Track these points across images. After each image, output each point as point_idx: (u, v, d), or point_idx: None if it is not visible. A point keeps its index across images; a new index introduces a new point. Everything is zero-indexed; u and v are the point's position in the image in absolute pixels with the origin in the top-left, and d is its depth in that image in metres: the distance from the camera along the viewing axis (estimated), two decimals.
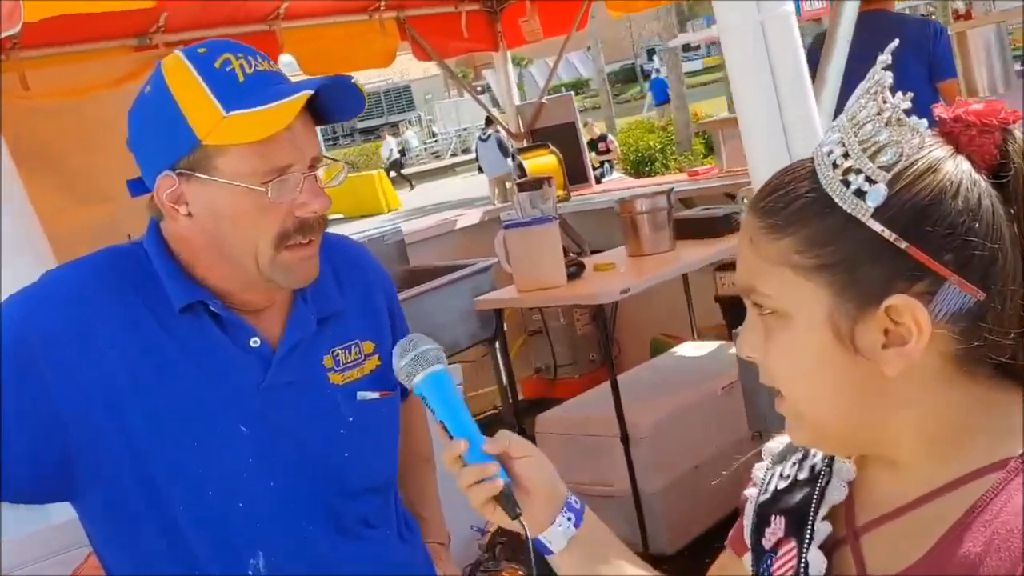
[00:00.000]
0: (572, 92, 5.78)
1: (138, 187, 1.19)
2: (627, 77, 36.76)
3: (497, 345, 4.38)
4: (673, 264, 3.47)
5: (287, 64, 4.60)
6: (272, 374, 1.19)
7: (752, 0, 1.34)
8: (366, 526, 1.28)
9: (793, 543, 0.81)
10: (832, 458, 0.83)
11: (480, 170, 16.76)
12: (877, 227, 0.71)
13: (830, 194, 0.72)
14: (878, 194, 0.70)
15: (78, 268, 1.19)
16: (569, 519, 0.96)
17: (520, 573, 2.59)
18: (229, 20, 4.17)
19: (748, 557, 0.88)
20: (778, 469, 0.88)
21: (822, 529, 0.80)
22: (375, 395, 1.27)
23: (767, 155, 1.46)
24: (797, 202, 0.74)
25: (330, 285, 1.27)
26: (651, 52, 34.17)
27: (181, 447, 1.15)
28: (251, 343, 1.19)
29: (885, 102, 0.72)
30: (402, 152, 29.08)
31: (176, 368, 1.16)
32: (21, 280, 1.21)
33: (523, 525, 0.94)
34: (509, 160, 15.09)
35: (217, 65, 1.11)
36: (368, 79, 34.99)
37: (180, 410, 1.15)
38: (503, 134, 15.81)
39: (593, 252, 4.25)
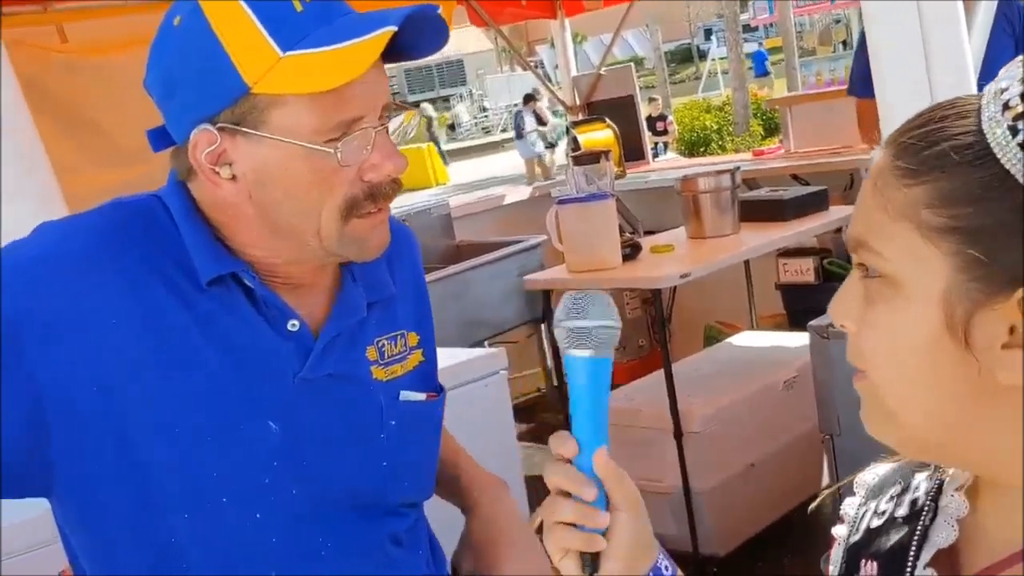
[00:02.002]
0: (631, 64, 5.56)
1: (162, 139, 0.98)
2: (683, 57, 36.20)
3: (543, 327, 4.23)
4: (736, 249, 3.25)
5: None
6: (312, 364, 1.00)
7: None
8: (396, 545, 1.08)
9: None
10: (939, 492, 0.67)
11: (531, 145, 16.54)
12: None
13: (989, 140, 0.57)
14: None
15: (77, 228, 0.97)
16: None
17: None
18: None
19: None
20: (872, 505, 0.72)
21: None
22: (421, 396, 1.08)
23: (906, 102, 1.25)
24: (946, 143, 0.58)
25: (380, 264, 1.08)
26: (708, 32, 33.60)
27: (195, 445, 0.95)
28: (289, 326, 0.99)
29: None
30: (451, 127, 28.98)
31: (195, 352, 0.96)
32: (20, 226, 1.02)
33: None
34: (540, 143, 14.95)
35: None
36: None
37: (197, 401, 0.95)
38: (545, 107, 15.68)
39: (647, 233, 4.06)
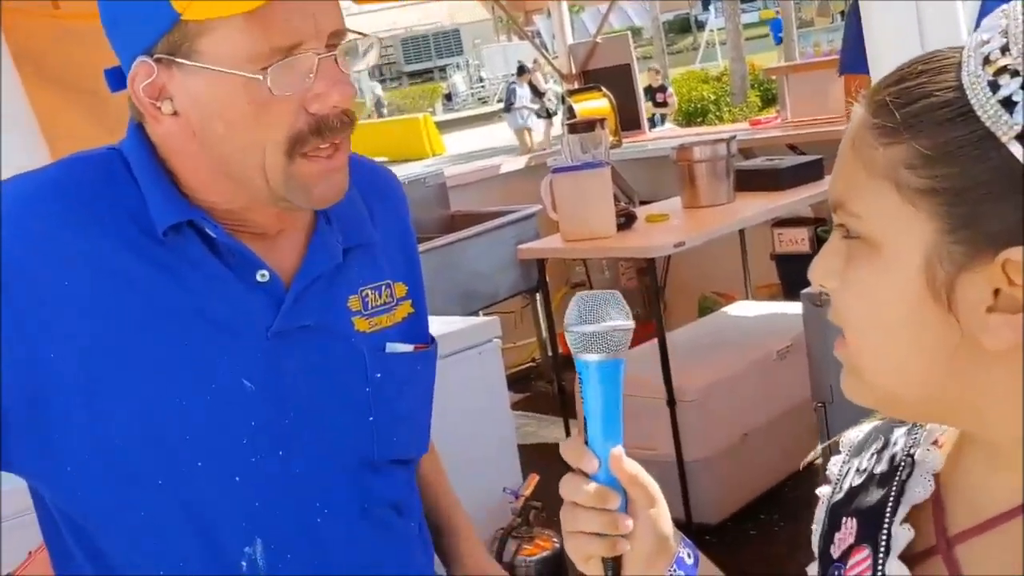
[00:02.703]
0: (628, 33, 5.52)
1: (118, 79, 0.93)
2: (681, 27, 35.95)
3: (538, 297, 4.22)
4: (731, 218, 3.25)
5: None
6: (284, 316, 0.95)
7: None
8: (395, 513, 1.05)
9: (867, 551, 0.65)
10: (916, 446, 0.66)
11: (520, 118, 16.47)
12: (1019, 153, 0.54)
13: (969, 97, 0.55)
14: None
15: (27, 186, 0.93)
16: None
17: (554, 541, 2.43)
18: None
19: (814, 567, 0.71)
20: (855, 462, 0.71)
21: (901, 535, 0.63)
22: (408, 348, 1.03)
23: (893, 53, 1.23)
24: (924, 100, 0.57)
25: (359, 208, 1.03)
26: (706, 2, 33.35)
27: (163, 406, 0.91)
28: (258, 277, 0.94)
29: None
30: (448, 97, 28.82)
31: (158, 309, 0.91)
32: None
33: None
34: (531, 116, 14.89)
35: None
36: (417, 22, 34.70)
37: (164, 361, 0.90)
38: (540, 77, 15.64)
39: (642, 203, 4.05)
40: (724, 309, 3.82)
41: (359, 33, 0.92)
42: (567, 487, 0.73)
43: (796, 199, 3.35)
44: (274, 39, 0.86)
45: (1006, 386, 0.58)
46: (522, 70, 16.13)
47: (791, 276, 4.48)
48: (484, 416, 2.41)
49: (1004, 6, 0.57)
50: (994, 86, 0.55)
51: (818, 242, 4.03)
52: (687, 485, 3.03)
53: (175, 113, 0.90)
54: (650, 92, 13.89)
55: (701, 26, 31.00)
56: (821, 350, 2.27)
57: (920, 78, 0.58)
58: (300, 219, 0.99)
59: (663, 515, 0.74)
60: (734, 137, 3.48)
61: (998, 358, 0.57)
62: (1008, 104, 0.54)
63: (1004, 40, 0.56)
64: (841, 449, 0.75)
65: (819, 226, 4.14)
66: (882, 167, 0.58)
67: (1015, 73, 0.54)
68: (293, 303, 0.96)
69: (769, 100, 14.15)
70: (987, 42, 0.56)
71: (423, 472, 1.17)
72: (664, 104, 14.59)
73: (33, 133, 1.85)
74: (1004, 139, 0.54)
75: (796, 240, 4.02)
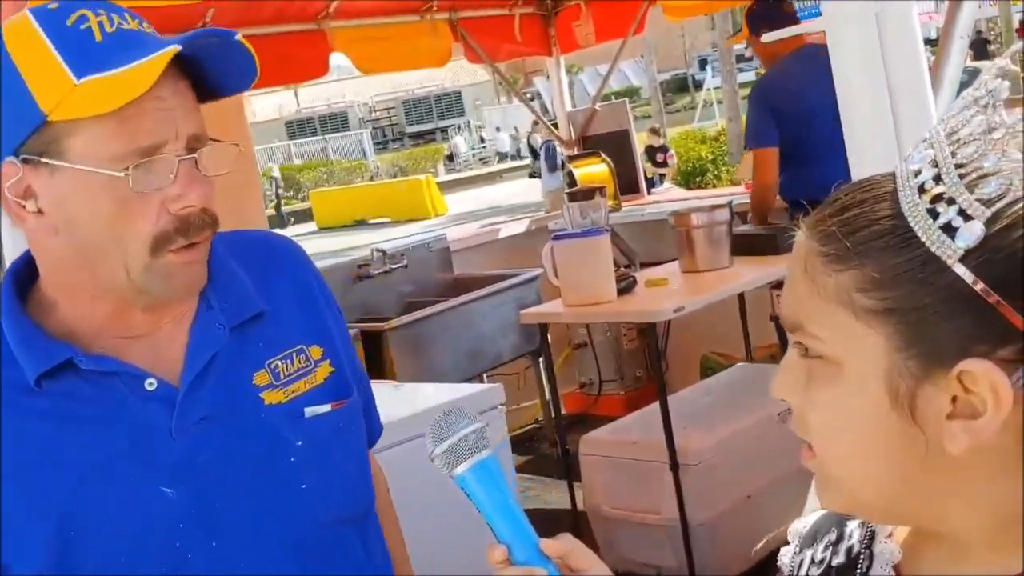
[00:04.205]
0: (625, 100, 5.63)
1: None
2: (679, 87, 36.45)
3: (540, 360, 4.26)
4: (730, 282, 3.30)
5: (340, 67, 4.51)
6: (179, 415, 0.96)
7: None
8: (342, 559, 1.06)
9: None
10: (871, 539, 0.70)
11: (530, 175, 16.72)
12: (965, 274, 0.57)
13: (912, 224, 0.59)
14: (972, 234, 0.57)
15: None
16: None
17: None
18: (277, 18, 4.09)
19: None
20: (808, 553, 0.75)
21: None
22: (326, 408, 1.04)
23: (874, 163, 1.30)
24: (868, 228, 0.60)
25: (241, 283, 1.04)
26: (703, 62, 33.87)
27: (90, 536, 0.94)
28: (146, 386, 0.96)
29: (998, 119, 0.58)
30: (450, 157, 29.13)
31: (54, 455, 0.93)
32: None
33: None
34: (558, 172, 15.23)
35: (70, 22, 0.89)
36: (419, 83, 35.21)
37: (78, 498, 0.94)
38: (536, 139, 15.98)
39: (644, 265, 4.11)
40: (724, 371, 3.85)
41: (216, 140, 0.97)
42: (494, 568, 0.80)
43: None
44: (137, 140, 0.90)
45: (967, 485, 0.61)
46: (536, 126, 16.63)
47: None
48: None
49: (926, 134, 0.62)
50: (933, 213, 0.58)
51: None
52: (691, 547, 3.04)
53: (39, 211, 0.93)
54: (651, 152, 14.07)
55: (699, 85, 31.45)
56: None
57: (862, 207, 0.61)
58: (177, 312, 1.00)
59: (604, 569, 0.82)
60: (731, 203, 3.55)
61: (961, 460, 0.60)
62: (949, 230, 0.58)
63: (935, 170, 0.59)
64: (789, 539, 0.78)
65: None
66: (835, 292, 0.61)
67: (951, 201, 0.58)
68: (185, 400, 0.98)
69: None
70: (919, 172, 0.60)
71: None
72: (664, 164, 14.77)
73: None
74: (949, 262, 0.58)
75: None
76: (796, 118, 3.57)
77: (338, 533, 1.05)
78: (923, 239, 0.58)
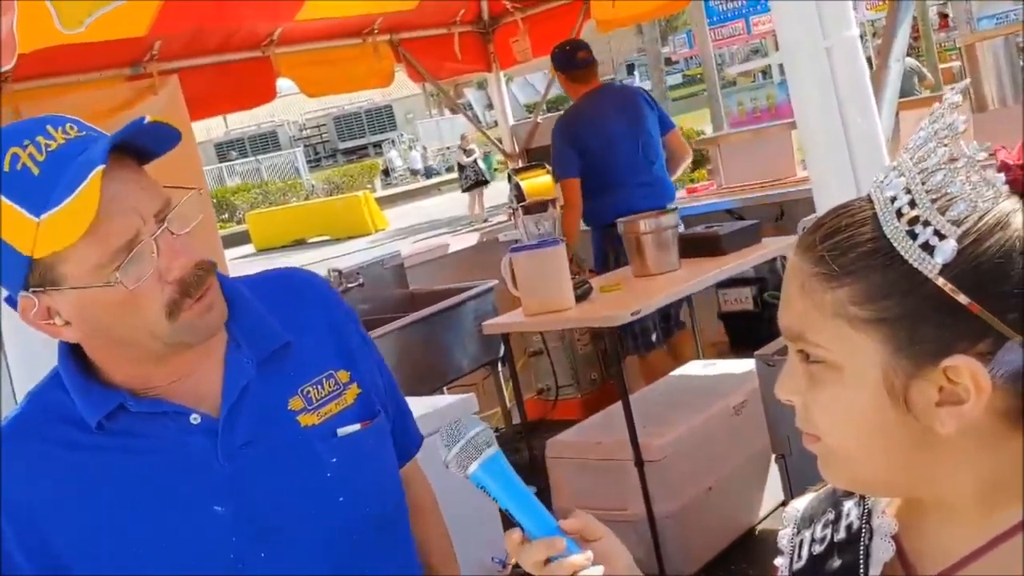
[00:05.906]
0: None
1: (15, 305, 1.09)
2: None
3: (500, 368, 4.35)
4: (681, 284, 3.45)
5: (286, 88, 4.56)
6: (223, 443, 1.09)
7: (817, 25, 1.34)
8: (375, 561, 1.17)
9: None
10: (869, 515, 0.81)
11: (462, 189, 16.81)
12: (944, 285, 0.67)
13: (895, 246, 0.69)
14: (948, 250, 0.67)
15: (5, 430, 1.10)
16: None
17: None
18: (222, 47, 4.14)
19: None
20: (807, 533, 0.84)
21: None
22: (356, 427, 1.16)
23: (832, 174, 1.46)
24: (856, 250, 0.70)
25: (264, 319, 1.15)
26: (631, 67, 34.34)
27: (161, 553, 1.06)
28: (191, 421, 1.09)
29: (957, 150, 0.69)
30: (385, 172, 29.05)
31: (121, 488, 1.06)
32: None
33: None
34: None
35: (7, 168, 0.98)
36: (349, 100, 35.00)
37: (142, 522, 1.06)
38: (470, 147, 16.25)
39: (591, 271, 4.24)
40: (677, 370, 4.00)
41: (174, 187, 1.05)
42: (522, 557, 0.88)
43: (738, 262, 3.57)
44: (111, 244, 1.00)
45: (956, 460, 0.72)
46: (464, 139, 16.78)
47: (737, 332, 4.71)
48: (466, 487, 2.51)
49: (895, 163, 0.73)
50: (912, 234, 0.68)
51: (762, 303, 4.27)
52: (659, 540, 3.15)
53: (67, 323, 1.05)
54: None
55: None
56: (777, 406, 2.44)
57: (847, 231, 0.71)
58: (211, 351, 1.11)
59: (621, 547, 0.90)
60: (676, 208, 3.71)
61: (949, 439, 0.70)
62: (927, 248, 0.68)
63: (909, 196, 0.69)
64: (785, 524, 0.87)
65: (759, 284, 4.39)
66: (832, 306, 0.71)
67: (926, 223, 0.68)
68: (225, 429, 1.09)
69: (699, 161, 14.58)
70: (895, 199, 0.70)
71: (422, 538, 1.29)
72: None
73: None
74: (930, 275, 0.68)
75: (741, 299, 4.25)
76: (596, 149, 4.04)
77: (371, 538, 1.17)
78: (906, 257, 0.68)
